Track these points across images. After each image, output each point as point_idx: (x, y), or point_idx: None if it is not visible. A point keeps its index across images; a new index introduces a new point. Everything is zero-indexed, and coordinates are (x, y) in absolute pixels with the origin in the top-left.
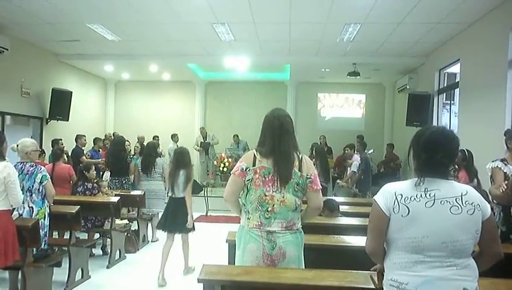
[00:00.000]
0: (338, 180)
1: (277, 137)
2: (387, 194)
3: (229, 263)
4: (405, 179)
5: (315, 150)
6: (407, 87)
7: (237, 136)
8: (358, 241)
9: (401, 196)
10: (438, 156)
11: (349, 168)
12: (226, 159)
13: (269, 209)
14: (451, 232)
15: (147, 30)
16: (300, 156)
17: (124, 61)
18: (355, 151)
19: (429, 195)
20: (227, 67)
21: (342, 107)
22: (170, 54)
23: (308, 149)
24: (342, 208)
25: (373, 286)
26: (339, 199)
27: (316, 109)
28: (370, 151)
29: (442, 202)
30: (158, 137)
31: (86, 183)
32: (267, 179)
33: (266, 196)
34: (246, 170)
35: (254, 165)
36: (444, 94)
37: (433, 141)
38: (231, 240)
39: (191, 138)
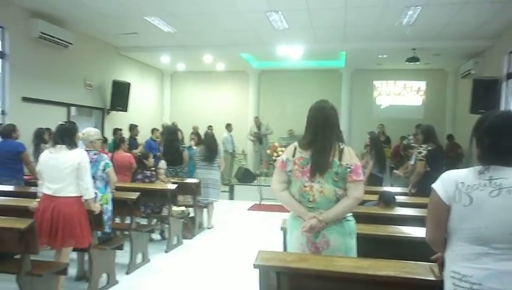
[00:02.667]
0: (394, 170)
1: (320, 130)
2: (447, 183)
3: (284, 251)
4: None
5: (370, 139)
6: (472, 72)
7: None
8: (415, 232)
9: (463, 184)
10: (505, 141)
11: (409, 161)
12: (279, 149)
13: (310, 199)
14: None
15: (201, 21)
16: (341, 147)
17: (180, 52)
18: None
19: (494, 184)
20: (281, 56)
21: (400, 95)
22: (224, 44)
23: (362, 138)
24: (399, 198)
25: (433, 278)
26: (396, 189)
27: (371, 97)
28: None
29: (509, 191)
30: (212, 127)
31: (145, 171)
32: (305, 169)
33: (306, 186)
34: (285, 161)
35: (294, 156)
36: None
37: (498, 125)
38: (285, 228)
39: (244, 128)
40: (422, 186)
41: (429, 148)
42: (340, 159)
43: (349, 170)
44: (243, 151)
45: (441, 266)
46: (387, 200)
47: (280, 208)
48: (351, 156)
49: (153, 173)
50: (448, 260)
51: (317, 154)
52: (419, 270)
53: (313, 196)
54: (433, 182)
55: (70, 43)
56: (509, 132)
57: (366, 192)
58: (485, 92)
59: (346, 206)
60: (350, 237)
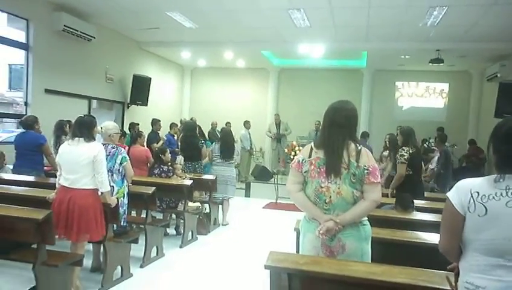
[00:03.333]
0: None
1: (328, 129)
2: (461, 191)
3: (297, 252)
4: (491, 175)
5: (389, 141)
6: (498, 75)
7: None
8: (433, 238)
9: (478, 193)
10: None
11: (430, 165)
12: (297, 148)
13: (327, 201)
14: None
15: (223, 17)
16: (359, 148)
17: (201, 48)
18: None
19: (511, 194)
20: (302, 54)
21: (422, 97)
22: (245, 41)
23: (382, 140)
24: (417, 203)
25: (448, 288)
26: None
27: (393, 98)
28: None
29: None
30: (230, 123)
31: (162, 166)
32: (322, 169)
33: (322, 187)
34: (302, 161)
35: (310, 156)
36: None
37: None
38: (299, 229)
39: (263, 125)
40: (404, 191)
41: (411, 151)
42: (357, 160)
43: (366, 171)
44: (261, 149)
45: (457, 275)
46: (405, 205)
47: (295, 208)
48: (368, 158)
49: (170, 168)
50: (462, 270)
51: (328, 154)
52: (435, 279)
53: (329, 197)
54: (415, 185)
55: (93, 37)
56: None
57: (383, 195)
58: (511, 95)
59: (364, 209)
60: (366, 241)
